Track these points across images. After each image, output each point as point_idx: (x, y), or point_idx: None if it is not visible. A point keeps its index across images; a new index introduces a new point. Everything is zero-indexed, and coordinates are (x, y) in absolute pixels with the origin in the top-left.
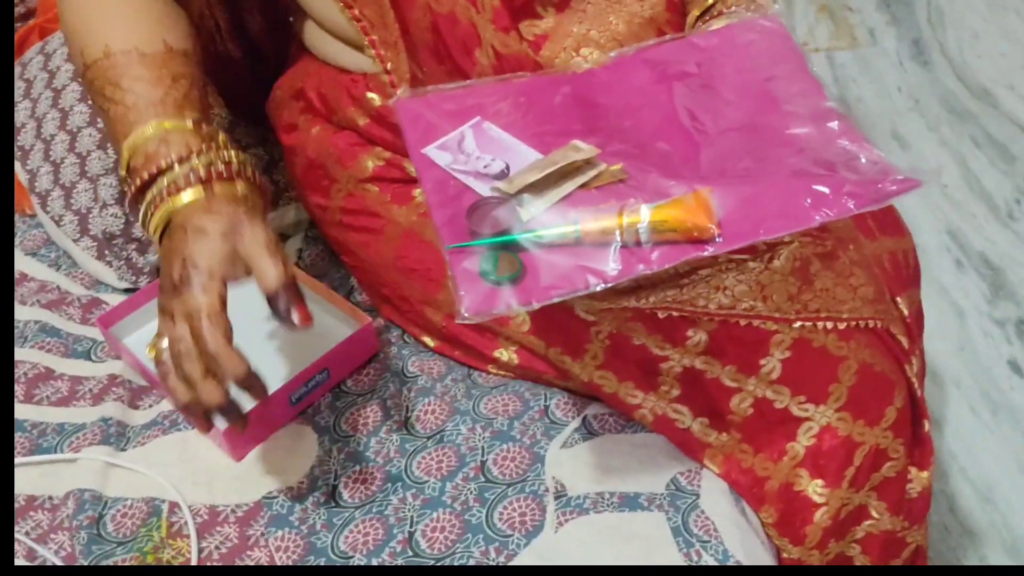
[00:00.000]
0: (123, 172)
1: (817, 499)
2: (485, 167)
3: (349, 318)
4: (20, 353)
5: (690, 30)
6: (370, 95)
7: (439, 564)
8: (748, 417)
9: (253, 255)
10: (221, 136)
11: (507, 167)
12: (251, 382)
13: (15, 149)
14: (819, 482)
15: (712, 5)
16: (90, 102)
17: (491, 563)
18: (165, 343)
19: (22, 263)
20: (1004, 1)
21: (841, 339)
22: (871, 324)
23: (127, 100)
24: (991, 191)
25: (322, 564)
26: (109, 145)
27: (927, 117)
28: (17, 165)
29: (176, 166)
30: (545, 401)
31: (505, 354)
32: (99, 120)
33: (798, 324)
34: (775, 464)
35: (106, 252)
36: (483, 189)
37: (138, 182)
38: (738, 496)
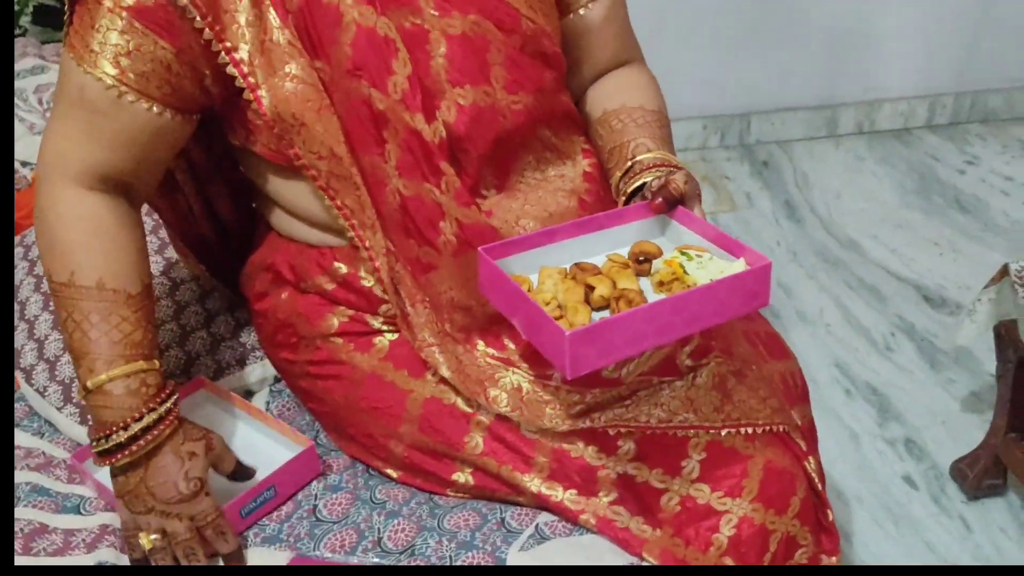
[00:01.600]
0: (84, 390)
1: None
2: None
3: (291, 442)
4: (15, 512)
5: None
6: (337, 264)
7: None
8: (677, 513)
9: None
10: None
11: None
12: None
13: None
14: None
15: (631, 167)
16: None
17: None
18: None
19: None
20: (859, 165)
21: (747, 440)
22: (779, 428)
23: (90, 337)
24: (869, 327)
25: None
26: None
27: (805, 267)
28: None
29: (146, 415)
30: (501, 514)
31: (462, 476)
32: None
33: (724, 432)
34: (704, 554)
35: (88, 417)
36: None
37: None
38: None
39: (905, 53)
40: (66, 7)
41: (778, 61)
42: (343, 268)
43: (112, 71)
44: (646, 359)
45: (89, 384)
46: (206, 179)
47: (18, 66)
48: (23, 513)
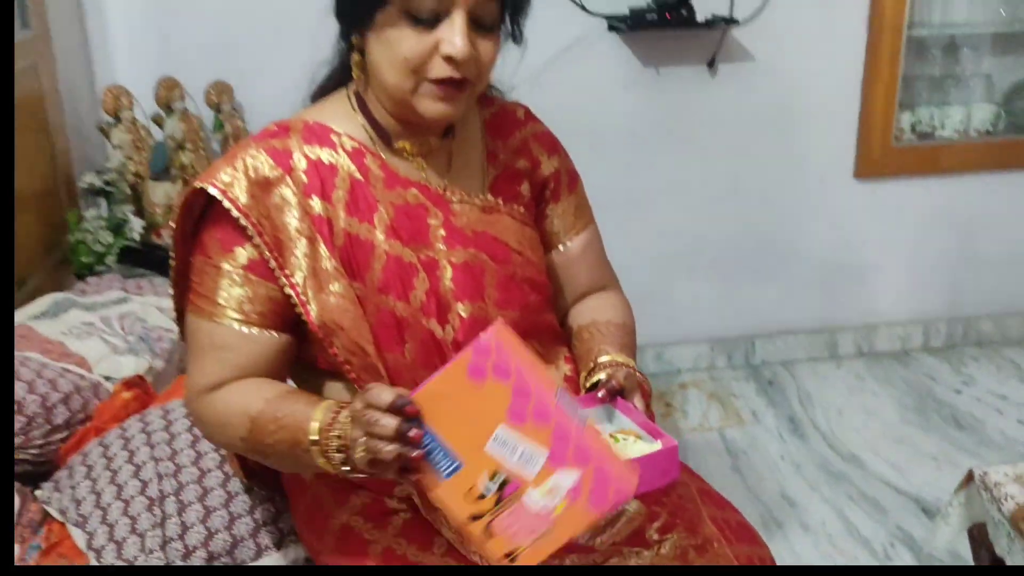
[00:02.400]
0: (313, 443)
1: None
2: None
3: None
4: None
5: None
6: None
7: None
8: None
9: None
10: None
11: None
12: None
13: (76, 514)
14: None
15: (592, 367)
16: (141, 476)
17: None
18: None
19: None
20: (860, 385)
21: None
22: None
23: (291, 416)
24: (868, 538)
25: None
26: (155, 507)
27: (808, 479)
28: (77, 530)
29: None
30: None
31: None
32: (147, 489)
33: None
34: None
35: None
36: None
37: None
38: None
39: (897, 281)
40: (173, 278)
41: (777, 288)
42: None
43: (238, 316)
44: (619, 530)
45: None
46: None
47: (103, 297)
48: None
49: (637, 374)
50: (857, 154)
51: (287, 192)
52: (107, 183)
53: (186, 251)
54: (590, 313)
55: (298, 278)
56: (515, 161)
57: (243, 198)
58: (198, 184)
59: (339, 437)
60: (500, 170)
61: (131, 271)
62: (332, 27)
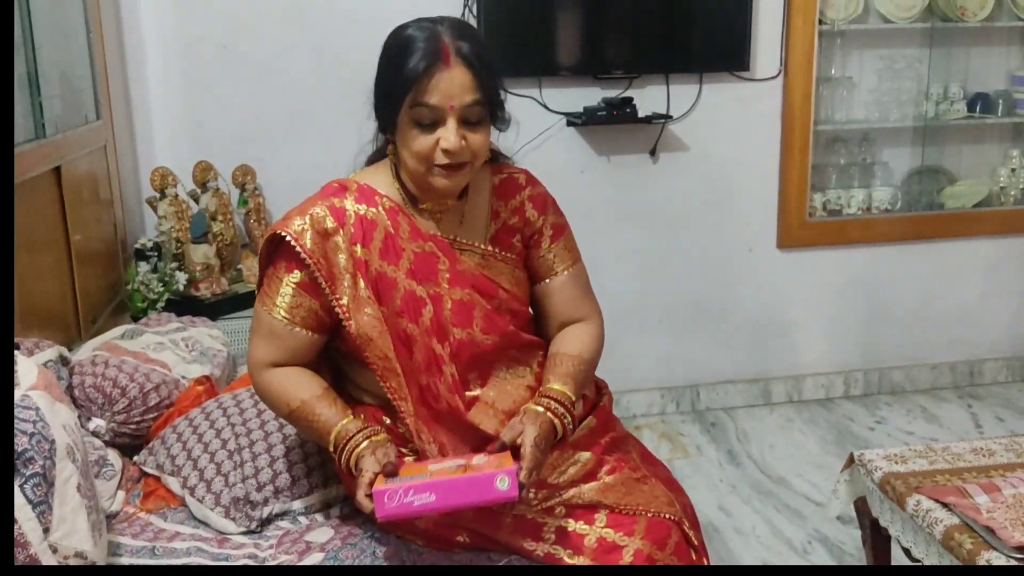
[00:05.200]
0: (332, 448)
1: None
2: None
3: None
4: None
5: None
6: (384, 417)
7: None
8: (595, 548)
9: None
10: (361, 419)
11: None
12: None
13: (172, 466)
14: None
15: (539, 396)
16: (221, 436)
17: None
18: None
19: (174, 527)
20: (789, 425)
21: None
22: (669, 517)
23: (321, 421)
24: (790, 537)
25: None
26: (234, 456)
27: (742, 496)
28: (172, 479)
29: (354, 439)
30: (488, 558)
31: (462, 538)
32: (227, 444)
33: (627, 514)
34: None
35: (231, 511)
36: None
37: (344, 449)
38: None
39: (819, 337)
40: (258, 278)
41: (717, 344)
42: (387, 420)
43: (286, 315)
44: (577, 471)
45: (332, 439)
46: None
47: (166, 327)
48: (189, 561)
49: (551, 406)
50: (778, 227)
51: (340, 240)
52: (156, 245)
53: (266, 265)
54: (557, 344)
55: (344, 300)
56: (511, 219)
57: (309, 244)
58: (279, 231)
59: (345, 457)
60: (500, 226)
61: (176, 311)
62: (333, 124)
